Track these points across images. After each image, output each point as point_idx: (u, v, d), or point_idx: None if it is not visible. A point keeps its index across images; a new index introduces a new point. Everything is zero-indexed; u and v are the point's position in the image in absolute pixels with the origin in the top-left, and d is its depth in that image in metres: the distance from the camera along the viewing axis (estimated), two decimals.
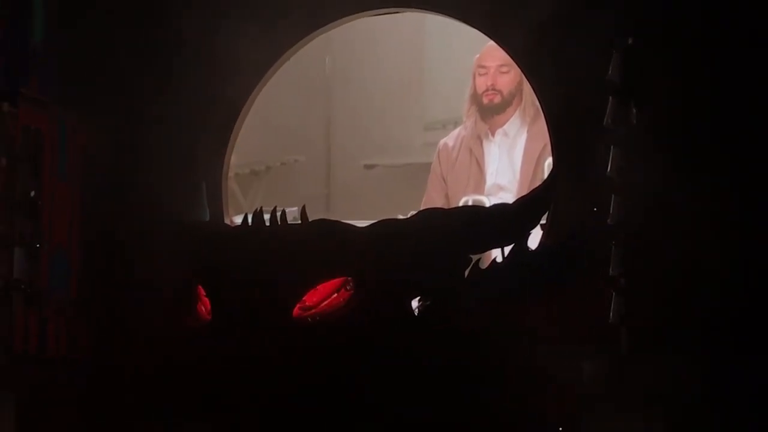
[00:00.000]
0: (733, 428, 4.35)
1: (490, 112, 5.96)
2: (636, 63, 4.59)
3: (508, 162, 5.91)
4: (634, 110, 4.58)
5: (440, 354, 4.28)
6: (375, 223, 4.50)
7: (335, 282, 4.33)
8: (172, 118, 5.08)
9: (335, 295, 4.32)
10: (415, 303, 4.42)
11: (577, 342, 4.49)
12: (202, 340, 4.37)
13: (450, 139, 6.10)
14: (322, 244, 4.42)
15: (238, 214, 5.57)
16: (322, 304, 4.31)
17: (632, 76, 4.59)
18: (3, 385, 4.74)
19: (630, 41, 4.60)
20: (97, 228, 5.12)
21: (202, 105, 5.13)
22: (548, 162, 5.54)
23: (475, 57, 5.98)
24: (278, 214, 4.50)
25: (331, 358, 4.27)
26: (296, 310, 4.31)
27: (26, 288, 4.82)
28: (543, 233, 4.77)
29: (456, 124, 6.31)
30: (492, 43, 5.40)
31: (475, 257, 4.45)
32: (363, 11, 5.30)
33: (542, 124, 5.21)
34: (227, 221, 5.25)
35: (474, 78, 5.99)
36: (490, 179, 5.91)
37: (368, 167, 7.62)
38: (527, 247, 4.45)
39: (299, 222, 4.52)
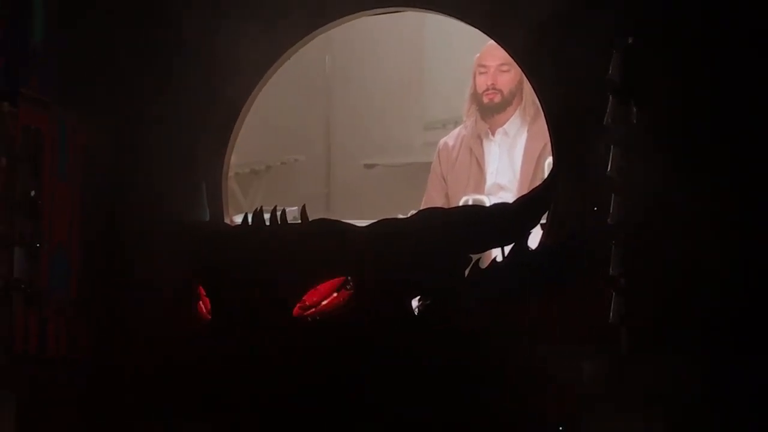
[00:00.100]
0: (733, 428, 4.35)
1: (491, 111, 5.95)
2: (636, 63, 4.59)
3: (508, 161, 5.91)
4: (635, 110, 4.57)
5: (440, 354, 4.29)
6: (375, 222, 4.50)
7: (335, 281, 4.33)
8: (172, 118, 5.07)
9: (335, 294, 4.32)
10: (415, 303, 4.42)
11: (577, 342, 4.49)
12: (202, 340, 4.38)
13: (450, 138, 6.10)
14: (322, 243, 4.42)
15: (238, 213, 5.56)
16: (322, 304, 4.31)
17: (632, 75, 4.59)
18: (3, 385, 4.74)
19: (630, 41, 4.60)
20: (97, 228, 5.12)
21: (202, 105, 5.13)
22: (548, 161, 5.54)
23: (475, 56, 5.98)
24: (278, 213, 4.50)
25: (331, 358, 4.27)
26: (296, 310, 4.31)
27: (26, 288, 4.81)
28: (543, 233, 4.77)
29: (456, 124, 6.31)
30: (492, 42, 5.40)
31: (475, 257, 4.46)
32: (363, 11, 5.29)
33: (542, 124, 5.21)
34: (227, 221, 5.25)
35: (474, 77, 5.99)
36: (490, 179, 5.90)
37: (368, 167, 7.62)
38: (527, 247, 4.46)
39: (299, 221, 4.52)
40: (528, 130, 5.89)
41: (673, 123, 4.62)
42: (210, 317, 4.39)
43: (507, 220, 4.48)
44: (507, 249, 4.44)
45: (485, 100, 5.94)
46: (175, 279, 4.59)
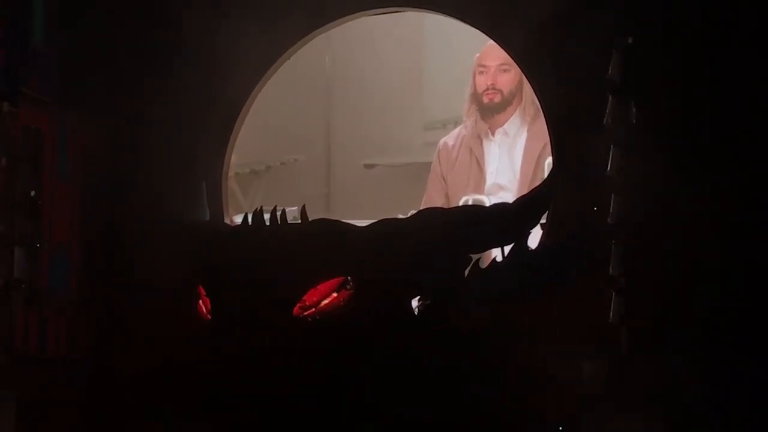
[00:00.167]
0: (733, 428, 4.35)
1: (490, 111, 5.95)
2: (636, 63, 4.59)
3: (508, 161, 5.90)
4: (634, 110, 4.57)
5: (440, 354, 4.29)
6: (375, 222, 4.50)
7: (335, 281, 4.34)
8: (172, 118, 5.07)
9: (335, 294, 4.32)
10: (414, 303, 4.43)
11: (577, 342, 4.49)
12: (202, 340, 4.38)
13: (450, 138, 6.10)
14: (322, 243, 4.42)
15: (238, 213, 5.56)
16: (322, 304, 4.31)
17: (632, 75, 4.58)
18: (3, 385, 4.74)
19: (630, 41, 4.59)
20: (98, 228, 5.12)
21: (202, 105, 5.13)
22: (548, 161, 5.54)
23: (475, 56, 5.98)
24: (278, 213, 4.51)
25: (331, 358, 4.27)
26: (296, 310, 4.31)
27: (26, 288, 4.81)
28: (543, 233, 4.77)
29: (456, 124, 6.30)
30: (492, 42, 5.40)
31: (475, 257, 4.46)
32: (363, 11, 5.29)
33: (542, 124, 5.20)
34: (227, 221, 5.25)
35: (474, 77, 5.99)
36: (490, 179, 5.90)
37: (368, 167, 7.62)
38: (527, 247, 4.46)
39: (299, 222, 4.53)
40: (528, 130, 5.89)
41: (673, 123, 4.61)
42: (210, 317, 4.39)
43: (507, 220, 4.49)
44: (507, 249, 4.44)
45: (485, 100, 5.94)
46: (175, 279, 4.59)
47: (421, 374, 4.25)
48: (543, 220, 4.60)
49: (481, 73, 5.94)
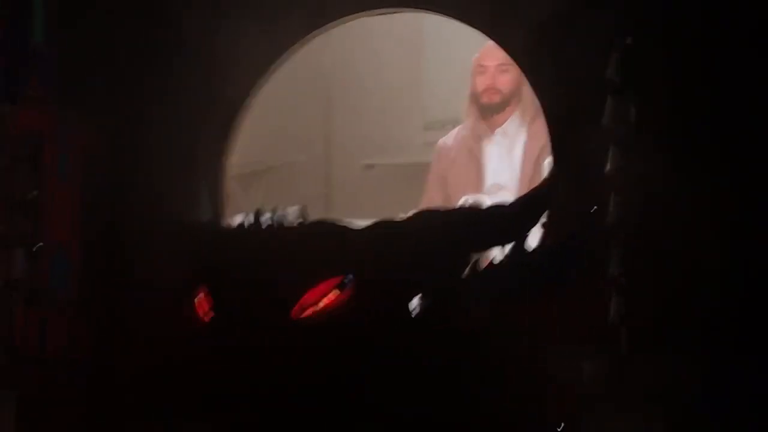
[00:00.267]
0: (733, 428, 4.35)
1: (490, 111, 5.96)
2: (636, 62, 4.59)
3: (507, 161, 5.91)
4: (634, 110, 4.57)
5: (440, 354, 4.29)
6: (375, 222, 4.50)
7: (335, 280, 4.34)
8: (172, 118, 5.07)
9: (335, 294, 4.32)
10: (414, 303, 4.43)
11: (577, 342, 4.49)
12: (202, 340, 4.38)
13: (449, 138, 6.10)
14: (322, 243, 4.43)
15: (238, 214, 5.56)
16: (322, 304, 4.31)
17: (632, 75, 4.58)
18: (3, 385, 4.74)
19: (629, 41, 4.59)
20: (98, 228, 5.12)
21: (202, 105, 5.13)
22: (548, 161, 5.54)
23: (474, 56, 5.98)
24: (278, 214, 4.51)
25: (331, 358, 4.28)
26: (296, 310, 4.31)
27: (26, 288, 4.81)
28: (542, 233, 4.77)
29: (455, 124, 6.31)
30: (492, 42, 5.40)
31: (474, 257, 4.46)
32: (363, 11, 5.29)
33: (542, 124, 5.20)
34: (227, 221, 5.25)
35: (473, 77, 5.99)
36: (489, 179, 5.91)
37: (368, 167, 7.62)
38: (527, 247, 4.46)
39: (299, 222, 4.53)
40: (527, 130, 5.89)
41: (673, 123, 4.61)
42: (210, 317, 4.39)
43: (506, 220, 4.49)
44: (507, 249, 4.45)
45: (484, 100, 5.95)
46: (175, 279, 4.59)
47: (421, 374, 4.26)
48: (543, 220, 4.60)
49: (481, 73, 5.95)
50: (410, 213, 5.04)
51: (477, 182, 5.92)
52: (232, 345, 4.30)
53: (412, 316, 4.39)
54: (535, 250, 4.51)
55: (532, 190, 4.70)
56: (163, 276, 4.72)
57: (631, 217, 4.52)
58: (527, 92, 5.75)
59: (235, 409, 4.30)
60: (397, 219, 4.73)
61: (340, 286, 4.32)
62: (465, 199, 5.88)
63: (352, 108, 7.59)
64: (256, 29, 5.08)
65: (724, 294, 4.44)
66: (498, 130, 5.96)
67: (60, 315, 4.97)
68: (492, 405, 4.30)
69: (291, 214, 4.60)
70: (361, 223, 4.54)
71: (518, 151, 5.90)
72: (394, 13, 5.58)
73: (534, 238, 4.58)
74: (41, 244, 4.86)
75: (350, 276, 4.33)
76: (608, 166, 4.56)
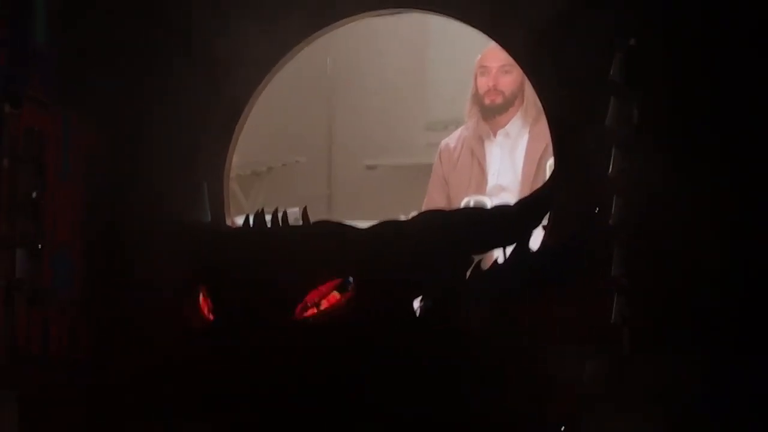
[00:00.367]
0: (733, 428, 4.34)
1: (492, 112, 5.96)
2: (638, 63, 4.59)
3: (509, 163, 5.91)
4: (636, 111, 4.57)
5: (440, 354, 4.29)
6: (376, 223, 4.50)
7: (336, 281, 4.34)
8: (173, 118, 5.07)
9: (336, 295, 4.32)
10: (416, 303, 4.42)
11: (577, 342, 4.49)
12: (202, 340, 4.38)
13: (451, 139, 6.10)
14: (324, 244, 4.42)
15: (239, 215, 5.57)
16: (323, 304, 4.31)
17: (634, 76, 4.58)
18: (5, 385, 4.75)
19: (631, 41, 4.59)
20: (99, 228, 5.12)
21: (203, 105, 5.13)
22: (550, 163, 5.54)
23: (477, 57, 5.98)
24: (280, 214, 4.51)
25: (332, 358, 4.27)
26: (297, 310, 4.31)
27: (29, 288, 4.82)
28: (544, 234, 4.77)
29: (458, 125, 6.31)
30: (494, 43, 5.40)
31: (476, 258, 4.46)
32: (365, 11, 5.29)
33: (544, 125, 5.21)
34: (228, 222, 5.25)
35: (476, 78, 6.00)
36: (491, 180, 5.91)
37: (370, 168, 7.63)
38: (529, 248, 4.46)
39: (301, 223, 4.53)
40: (529, 132, 5.89)
41: (675, 124, 4.61)
42: (210, 317, 4.39)
43: (508, 222, 4.48)
44: (508, 250, 4.44)
45: (487, 101, 5.95)
46: (176, 279, 4.59)
47: (422, 374, 4.25)
48: (545, 221, 4.60)
49: (483, 74, 5.96)
50: (412, 214, 5.04)
51: (479, 183, 5.92)
52: (232, 345, 4.30)
53: (414, 316, 4.39)
54: (536, 251, 4.51)
55: (534, 191, 4.69)
56: (164, 276, 4.72)
57: (632, 218, 4.52)
58: (529, 93, 5.75)
59: (235, 410, 4.29)
60: (399, 220, 4.73)
61: (341, 288, 4.32)
62: (467, 201, 5.88)
63: (354, 108, 7.60)
64: (257, 29, 5.09)
65: (724, 294, 4.44)
66: (500, 132, 5.96)
67: (62, 315, 4.98)
68: (492, 405, 4.29)
69: (292, 214, 4.60)
70: (363, 224, 4.54)
71: (520, 153, 5.90)
72: (396, 13, 5.59)
73: (536, 239, 4.58)
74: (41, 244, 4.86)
75: (351, 279, 4.33)
76: (610, 168, 4.55)
